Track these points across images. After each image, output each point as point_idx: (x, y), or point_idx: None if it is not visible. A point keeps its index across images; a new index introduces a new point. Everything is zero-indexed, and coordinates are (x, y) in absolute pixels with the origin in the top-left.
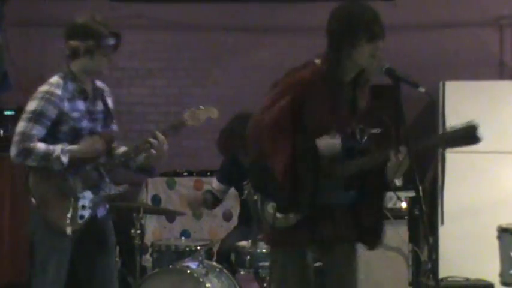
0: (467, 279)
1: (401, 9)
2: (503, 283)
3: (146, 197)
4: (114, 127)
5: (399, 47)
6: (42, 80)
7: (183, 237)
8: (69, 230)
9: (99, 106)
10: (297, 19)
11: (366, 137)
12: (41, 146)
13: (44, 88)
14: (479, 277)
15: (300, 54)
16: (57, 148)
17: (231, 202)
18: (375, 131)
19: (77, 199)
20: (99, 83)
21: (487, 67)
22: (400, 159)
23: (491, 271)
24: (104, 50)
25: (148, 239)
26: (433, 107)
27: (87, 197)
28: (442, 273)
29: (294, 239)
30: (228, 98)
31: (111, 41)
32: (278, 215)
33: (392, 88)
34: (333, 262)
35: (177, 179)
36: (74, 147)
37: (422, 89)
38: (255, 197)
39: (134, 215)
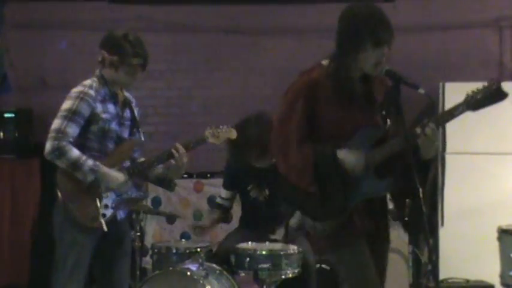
0: (468, 281)
1: (401, 11)
2: (503, 284)
3: (146, 199)
4: (140, 136)
5: (399, 48)
6: (42, 82)
7: (183, 239)
8: (104, 226)
9: (127, 113)
10: (297, 21)
11: (389, 123)
12: (74, 152)
13: (78, 89)
14: (480, 278)
15: (300, 56)
16: (89, 163)
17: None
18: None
19: (101, 198)
20: (127, 94)
21: (486, 68)
22: (427, 133)
23: (491, 272)
24: (127, 67)
25: (148, 241)
26: (433, 108)
27: (110, 197)
28: (442, 274)
29: (348, 236)
30: (228, 100)
31: (135, 61)
32: (317, 224)
33: (393, 89)
34: (377, 252)
35: (177, 180)
36: (103, 169)
37: (422, 90)
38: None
39: (134, 217)
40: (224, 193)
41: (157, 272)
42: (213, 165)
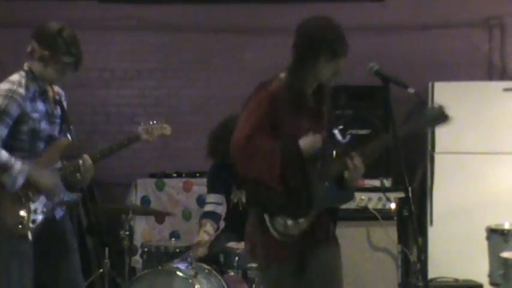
0: (456, 280)
1: (391, 11)
2: (492, 284)
3: (135, 199)
4: (71, 135)
5: (388, 48)
6: None
7: (172, 239)
8: (29, 235)
9: (57, 110)
10: (286, 21)
11: (348, 137)
12: (3, 155)
13: (6, 86)
14: (468, 278)
15: (289, 55)
16: (17, 165)
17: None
18: (363, 131)
19: (29, 202)
20: (56, 87)
21: (476, 68)
22: (356, 164)
23: (480, 272)
24: (57, 65)
25: (138, 240)
26: (422, 108)
27: (40, 201)
28: (431, 273)
29: (296, 248)
30: (217, 99)
31: (67, 59)
32: (289, 222)
33: (382, 89)
34: (327, 262)
35: (166, 180)
36: (33, 172)
37: (411, 90)
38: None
39: (123, 216)
40: (211, 197)
41: (146, 271)
42: (202, 165)
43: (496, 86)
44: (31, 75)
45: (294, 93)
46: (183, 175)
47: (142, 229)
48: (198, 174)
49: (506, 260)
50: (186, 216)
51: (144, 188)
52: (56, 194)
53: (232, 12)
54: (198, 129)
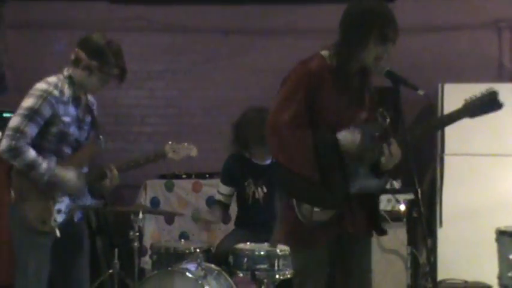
0: (466, 282)
1: (400, 12)
2: (501, 285)
3: (145, 199)
4: (101, 143)
5: (398, 49)
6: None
7: (181, 240)
8: (57, 232)
9: (88, 118)
10: (296, 22)
11: (388, 119)
12: (31, 153)
13: (42, 86)
14: (478, 280)
15: (299, 56)
16: (45, 164)
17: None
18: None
19: (54, 202)
20: (90, 97)
21: (485, 69)
22: (392, 151)
23: (489, 274)
24: (103, 75)
25: (147, 241)
26: (432, 110)
27: (64, 202)
28: (441, 275)
29: (322, 235)
30: (227, 100)
31: (113, 71)
32: (316, 209)
33: (392, 90)
34: (354, 254)
35: (175, 181)
36: (59, 171)
37: (421, 92)
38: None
39: (133, 217)
40: (223, 188)
41: (155, 272)
42: (211, 166)
43: (506, 88)
44: (68, 81)
45: (338, 72)
46: (193, 176)
47: (152, 230)
48: (207, 175)
49: None
50: (196, 217)
51: (153, 189)
52: (79, 195)
53: (241, 13)
54: (208, 130)
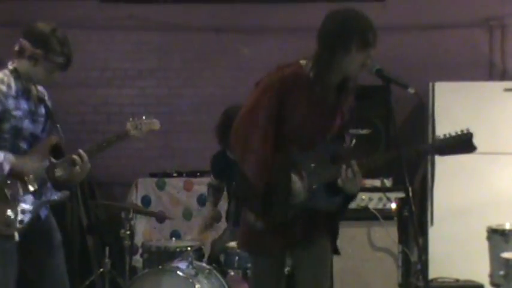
0: (457, 280)
1: (391, 10)
2: (492, 284)
3: (136, 198)
4: (59, 132)
5: (389, 48)
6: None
7: (173, 238)
8: (16, 236)
9: (41, 109)
10: (287, 20)
11: (354, 142)
12: None
13: None
14: (469, 278)
15: (290, 54)
16: (1, 155)
17: (221, 203)
18: (364, 131)
19: (17, 202)
20: (40, 88)
21: (476, 68)
22: (349, 175)
23: (480, 272)
24: (49, 64)
25: (138, 240)
26: (423, 108)
27: (28, 201)
28: (432, 274)
29: (270, 243)
30: (218, 99)
31: (59, 59)
32: (258, 223)
33: (383, 89)
34: (306, 264)
35: (166, 179)
36: (17, 160)
37: (412, 90)
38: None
39: (124, 215)
40: (214, 181)
41: (147, 270)
42: (202, 164)
43: (497, 86)
44: (15, 74)
45: (315, 82)
46: (184, 174)
47: (143, 228)
48: (198, 174)
49: (507, 260)
50: (187, 216)
51: (144, 187)
52: (40, 181)
53: (233, 11)
54: (199, 129)
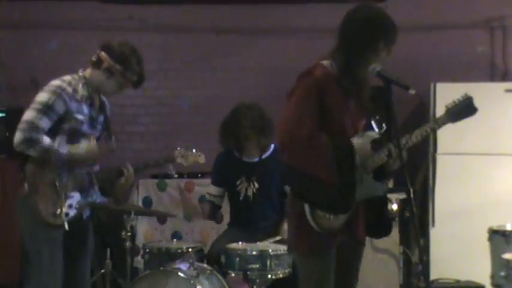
0: (458, 281)
1: (392, 11)
2: (494, 285)
3: (137, 199)
4: (113, 143)
5: None
6: (33, 81)
7: (174, 239)
8: (66, 225)
9: (101, 118)
10: (288, 21)
11: (384, 127)
12: (46, 140)
13: (56, 82)
14: (470, 279)
15: (292, 56)
16: (56, 143)
17: (223, 204)
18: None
19: (66, 197)
20: (103, 98)
21: (477, 69)
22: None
23: (481, 273)
24: (123, 80)
25: (140, 241)
26: (424, 109)
27: (75, 198)
28: (433, 275)
29: (332, 242)
30: (218, 100)
31: (134, 77)
32: (328, 215)
33: (384, 90)
34: (355, 258)
35: (168, 180)
36: (73, 149)
37: (413, 91)
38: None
39: (125, 216)
40: (213, 189)
41: (148, 271)
42: (203, 165)
43: (498, 87)
44: (83, 80)
45: (343, 80)
46: (185, 176)
47: (144, 230)
48: (199, 175)
49: (508, 261)
50: (188, 217)
51: (145, 188)
52: (94, 163)
53: (233, 13)
54: (200, 130)
